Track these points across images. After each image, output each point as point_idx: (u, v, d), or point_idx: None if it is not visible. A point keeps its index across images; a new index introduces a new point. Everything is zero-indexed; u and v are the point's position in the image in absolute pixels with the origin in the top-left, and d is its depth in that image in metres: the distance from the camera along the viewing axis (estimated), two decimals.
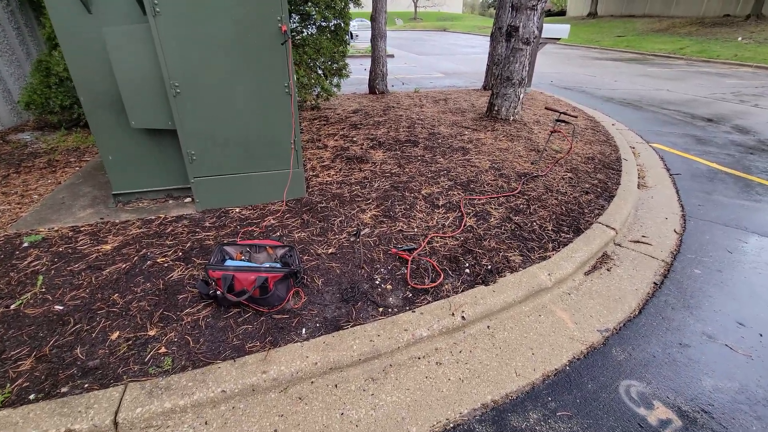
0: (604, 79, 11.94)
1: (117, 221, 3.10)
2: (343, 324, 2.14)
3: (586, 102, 8.59)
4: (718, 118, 7.51)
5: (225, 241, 2.74)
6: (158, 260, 2.60)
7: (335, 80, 6.29)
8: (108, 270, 2.50)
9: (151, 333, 2.03)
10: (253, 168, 3.24)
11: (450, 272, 2.59)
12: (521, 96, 5.77)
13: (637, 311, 2.50)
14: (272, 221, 3.10)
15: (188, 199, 3.46)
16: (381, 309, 2.26)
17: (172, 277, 2.44)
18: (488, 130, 5.50)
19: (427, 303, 2.31)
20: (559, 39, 8.11)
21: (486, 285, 2.48)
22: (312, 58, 5.60)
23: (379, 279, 2.50)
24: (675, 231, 3.46)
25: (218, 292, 2.11)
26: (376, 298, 2.34)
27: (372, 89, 8.06)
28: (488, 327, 2.29)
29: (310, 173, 3.92)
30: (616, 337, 2.29)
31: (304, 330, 2.10)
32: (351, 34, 6.72)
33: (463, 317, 2.22)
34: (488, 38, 8.62)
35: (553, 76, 12.18)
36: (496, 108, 5.87)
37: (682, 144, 5.97)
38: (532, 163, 4.39)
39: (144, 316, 2.14)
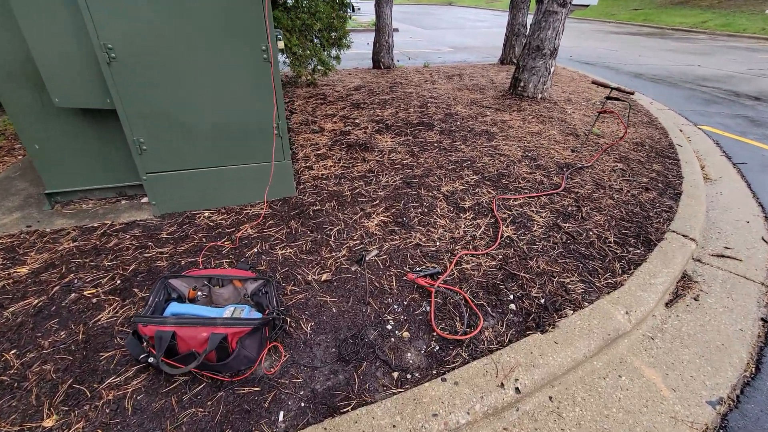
0: (626, 54, 10.94)
1: (48, 230, 2.37)
2: (341, 403, 1.44)
3: (613, 78, 7.69)
4: (766, 96, 6.64)
5: (171, 272, 2.02)
6: (86, 292, 1.89)
7: (334, 52, 5.43)
8: (11, 309, 1.79)
9: (47, 424, 1.33)
10: (225, 160, 2.49)
11: (489, 309, 1.87)
12: (551, 70, 4.92)
13: (752, 366, 1.79)
14: (249, 231, 2.37)
15: (146, 199, 2.72)
16: (396, 374, 1.56)
17: (99, 320, 1.73)
18: (514, 110, 4.69)
19: (463, 363, 1.60)
20: (587, 5, 7.15)
21: (542, 332, 1.76)
22: (306, 24, 4.74)
23: (392, 322, 1.78)
24: (764, 240, 2.72)
25: (151, 359, 1.40)
26: (388, 354, 1.63)
27: (376, 63, 7.17)
28: (551, 399, 1.59)
29: (302, 164, 3.17)
30: (736, 413, 1.58)
31: (281, 414, 1.40)
32: (352, 6, 5.81)
33: (517, 389, 1.51)
34: (497, 13, 7.65)
35: (572, 51, 11.17)
36: (522, 84, 5.03)
37: (735, 126, 5.14)
38: (572, 151, 3.61)
39: (44, 392, 1.43)
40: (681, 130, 4.75)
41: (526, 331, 1.76)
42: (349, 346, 1.66)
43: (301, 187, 2.83)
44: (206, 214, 2.53)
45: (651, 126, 4.52)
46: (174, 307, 1.56)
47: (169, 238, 2.30)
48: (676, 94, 6.72)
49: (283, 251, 2.19)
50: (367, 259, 1.66)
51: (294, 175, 2.97)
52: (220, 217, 2.50)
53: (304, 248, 2.22)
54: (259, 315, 1.61)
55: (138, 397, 1.43)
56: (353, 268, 1.74)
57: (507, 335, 1.74)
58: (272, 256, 2.16)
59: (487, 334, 1.75)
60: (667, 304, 2.09)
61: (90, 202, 2.70)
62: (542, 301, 1.93)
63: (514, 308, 1.89)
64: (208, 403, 1.42)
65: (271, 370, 1.55)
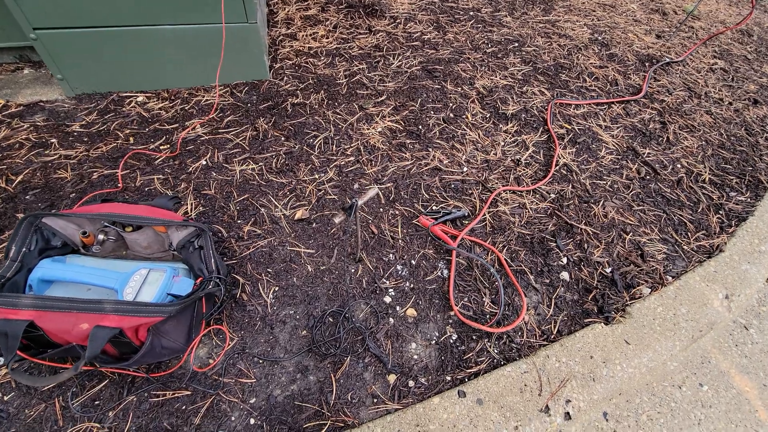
0: None
1: None
2: (308, 425, 0.97)
3: None
4: None
5: (53, 210, 1.38)
6: None
7: None
8: None
9: None
10: (158, 16, 1.62)
11: (532, 278, 1.30)
12: None
13: None
14: (198, 130, 1.66)
15: None
16: (393, 378, 1.06)
17: None
18: None
19: (491, 366, 1.10)
20: None
21: (607, 321, 1.22)
22: None
23: (392, 292, 1.23)
24: None
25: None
26: (383, 344, 1.12)
27: None
28: (605, 417, 1.13)
29: (282, 31, 2.24)
30: None
31: None
32: None
33: (567, 414, 1.04)
34: None
35: None
36: None
37: None
38: (658, 37, 2.61)
39: None
40: None
41: (584, 318, 1.23)
42: (327, 328, 1.14)
43: (278, 66, 1.99)
44: (140, 99, 1.78)
45: (760, 7, 3.34)
46: (47, 269, 0.98)
47: (83, 134, 1.60)
48: None
49: (244, 167, 1.52)
50: (359, 204, 1.03)
51: (269, 47, 2.09)
52: (160, 105, 1.75)
53: (274, 164, 1.54)
54: (189, 282, 1.04)
55: (5, 399, 0.96)
56: (337, 220, 1.12)
57: (556, 323, 1.21)
58: (226, 173, 1.50)
59: (527, 318, 1.21)
60: None
61: None
62: (608, 270, 1.35)
63: (568, 279, 1.32)
64: (110, 413, 0.95)
65: (210, 363, 1.05)
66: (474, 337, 1.16)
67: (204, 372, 1.03)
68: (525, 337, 1.17)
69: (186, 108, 1.75)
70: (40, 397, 0.97)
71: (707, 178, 1.73)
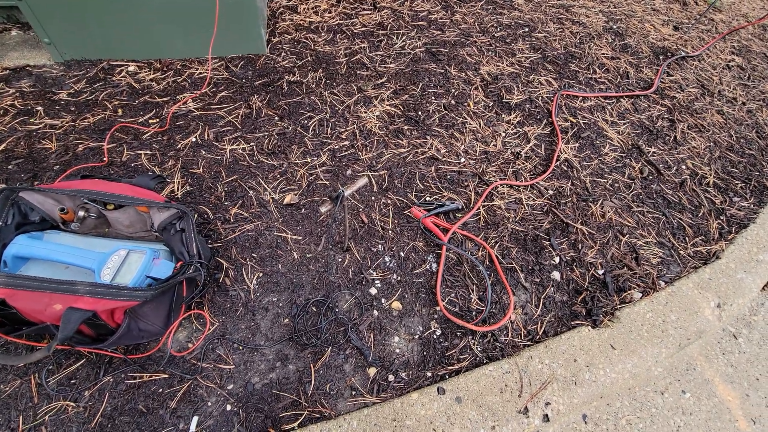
0: None
1: None
2: (285, 414, 0.97)
3: None
4: None
5: (36, 183, 1.34)
6: None
7: None
8: None
9: None
10: None
11: (522, 276, 1.28)
12: None
13: None
14: (190, 104, 1.60)
15: None
16: (373, 371, 1.06)
17: None
18: None
19: (473, 364, 1.09)
20: None
21: (595, 325, 1.21)
22: None
23: (378, 283, 1.21)
24: None
25: None
26: (365, 336, 1.11)
27: None
28: (584, 420, 1.13)
29: (282, 2, 2.14)
30: None
31: (194, 424, 0.94)
32: None
33: (545, 416, 1.03)
34: None
35: None
36: None
37: None
38: (675, 29, 2.50)
39: None
40: None
41: (572, 320, 1.21)
42: (309, 318, 1.12)
43: (276, 41, 1.91)
44: (131, 69, 1.71)
45: None
46: (22, 246, 0.95)
47: (70, 103, 1.55)
48: None
49: (234, 146, 1.48)
50: (346, 194, 0.99)
51: (268, 20, 2.01)
52: (151, 76, 1.69)
53: (265, 145, 1.50)
54: (169, 265, 1.02)
55: None
56: (323, 209, 1.07)
57: (542, 323, 1.20)
58: (216, 152, 1.45)
59: (514, 317, 1.20)
60: (764, 287, 1.50)
61: None
62: (600, 272, 1.33)
63: (559, 279, 1.30)
64: (86, 392, 0.95)
65: (189, 347, 1.04)
66: (458, 333, 1.15)
67: (183, 356, 1.02)
68: (510, 336, 1.16)
69: (178, 81, 1.69)
70: (15, 373, 0.96)
71: (711, 181, 1.68)
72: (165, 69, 1.74)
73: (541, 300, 1.24)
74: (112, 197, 1.02)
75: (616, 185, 1.59)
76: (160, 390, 0.97)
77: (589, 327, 1.19)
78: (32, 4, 1.54)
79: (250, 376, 1.02)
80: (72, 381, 0.96)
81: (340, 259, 1.24)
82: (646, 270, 1.35)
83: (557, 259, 1.34)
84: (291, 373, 1.03)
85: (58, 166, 1.34)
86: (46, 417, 0.91)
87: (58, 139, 1.42)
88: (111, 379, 0.97)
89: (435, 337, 1.14)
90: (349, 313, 1.14)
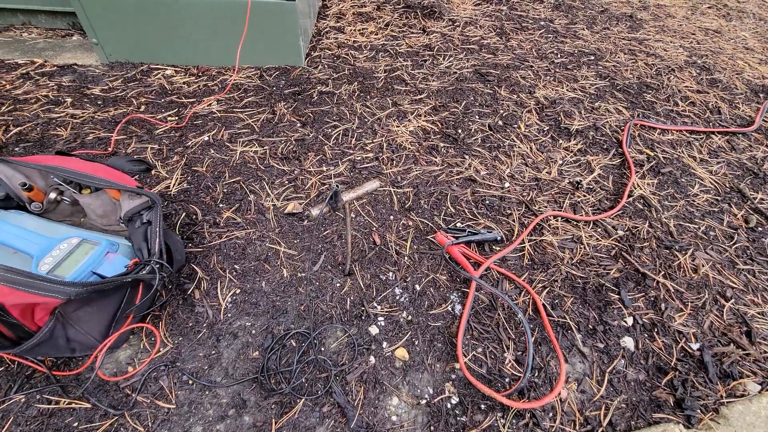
0: None
1: None
2: None
3: None
4: None
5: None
6: None
7: None
8: None
9: None
10: None
11: (580, 338, 0.94)
12: None
13: None
14: (214, 106, 1.51)
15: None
16: None
17: None
18: None
19: None
20: None
21: (689, 424, 0.82)
22: None
23: (381, 321, 0.93)
24: None
25: None
26: (354, 390, 0.82)
27: None
28: None
29: (331, 23, 2.10)
30: None
31: None
32: None
33: None
34: None
35: None
36: None
37: None
38: None
39: None
40: None
41: (653, 412, 0.84)
42: (286, 353, 0.86)
43: (317, 55, 1.84)
44: (168, 72, 1.69)
45: None
46: None
47: (99, 98, 1.52)
48: None
49: (246, 149, 1.33)
50: (344, 200, 0.77)
51: (312, 37, 1.95)
52: (185, 80, 1.65)
53: (280, 150, 1.34)
54: (124, 262, 0.83)
55: None
56: (314, 212, 0.85)
57: (608, 409, 0.83)
58: (226, 152, 1.31)
59: (565, 393, 0.85)
60: None
61: (33, 30, 1.96)
62: (695, 346, 0.95)
63: (632, 348, 0.93)
64: None
65: (128, 370, 0.81)
66: (482, 406, 0.82)
67: (117, 381, 0.80)
68: (558, 421, 0.81)
69: (209, 85, 1.63)
70: None
71: None
72: (200, 74, 1.70)
73: (606, 375, 0.89)
74: (81, 176, 0.88)
75: (712, 234, 1.22)
76: (75, 424, 0.74)
77: (681, 425, 0.81)
78: (85, 6, 1.58)
79: (191, 424, 0.76)
80: None
81: (338, 284, 0.99)
82: (765, 351, 0.95)
83: (630, 320, 0.98)
84: (245, 428, 0.76)
85: None
86: None
87: (72, 128, 1.36)
88: (22, 399, 0.76)
89: (449, 406, 0.82)
90: (337, 354, 0.87)
